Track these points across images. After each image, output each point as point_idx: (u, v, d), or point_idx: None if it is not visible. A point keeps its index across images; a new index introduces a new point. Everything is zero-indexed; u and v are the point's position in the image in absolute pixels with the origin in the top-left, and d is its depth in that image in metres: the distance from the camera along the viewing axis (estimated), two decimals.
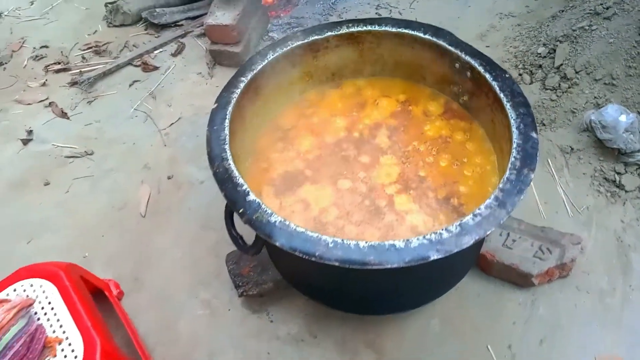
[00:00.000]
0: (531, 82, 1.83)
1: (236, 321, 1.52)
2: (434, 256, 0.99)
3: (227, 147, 1.22)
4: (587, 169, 1.66)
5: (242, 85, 1.33)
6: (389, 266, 0.99)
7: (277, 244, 1.04)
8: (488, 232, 1.02)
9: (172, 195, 1.83)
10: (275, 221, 1.07)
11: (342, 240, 1.03)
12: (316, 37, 1.43)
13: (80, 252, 1.72)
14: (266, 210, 1.09)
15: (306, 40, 1.42)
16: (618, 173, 1.60)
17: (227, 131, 1.24)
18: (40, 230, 1.81)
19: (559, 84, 1.75)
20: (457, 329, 1.43)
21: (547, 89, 1.78)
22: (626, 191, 1.57)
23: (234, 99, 1.31)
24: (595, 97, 1.69)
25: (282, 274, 1.44)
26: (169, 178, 1.88)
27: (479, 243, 1.40)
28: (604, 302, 1.43)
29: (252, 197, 1.11)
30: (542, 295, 1.45)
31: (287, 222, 1.07)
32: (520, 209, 1.55)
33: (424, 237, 1.01)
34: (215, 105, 1.30)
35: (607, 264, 1.49)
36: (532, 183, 1.64)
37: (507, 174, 1.08)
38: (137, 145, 2.01)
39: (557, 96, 1.75)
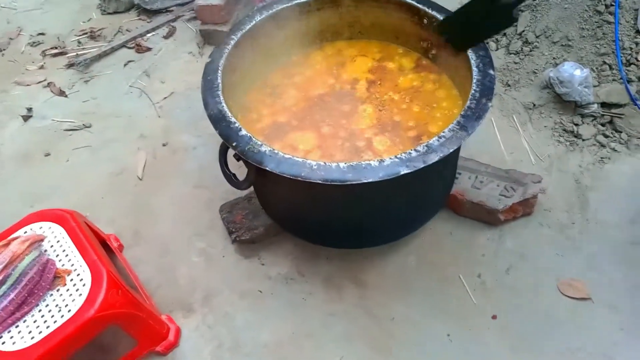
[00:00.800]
0: (497, 49, 2.00)
1: (230, 266, 1.64)
2: (404, 171, 1.13)
3: (219, 92, 1.35)
4: (548, 122, 1.82)
5: (232, 42, 1.47)
6: (364, 181, 1.13)
7: (268, 168, 1.17)
8: (451, 150, 1.16)
9: (168, 160, 1.96)
10: (265, 150, 1.21)
11: (325, 162, 1.17)
12: (299, 0, 1.58)
13: (82, 213, 1.83)
14: (256, 142, 1.22)
15: (290, 4, 1.57)
16: (576, 124, 1.76)
17: (219, 80, 1.38)
18: (43, 196, 1.92)
19: (522, 48, 1.93)
20: (432, 263, 1.57)
21: (510, 54, 1.95)
22: (583, 139, 1.74)
23: (225, 54, 1.44)
24: (553, 58, 1.86)
25: (272, 216, 1.58)
26: (163, 145, 2.01)
27: (449, 179, 1.55)
28: (564, 233, 1.58)
29: (244, 132, 1.25)
30: (509, 231, 1.60)
31: (275, 151, 1.20)
32: (487, 159, 1.72)
33: (396, 156, 1.15)
34: (210, 59, 1.44)
35: (566, 202, 1.64)
36: (498, 135, 1.82)
37: (468, 103, 1.23)
38: (133, 117, 2.13)
39: (520, 59, 1.92)
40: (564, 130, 1.78)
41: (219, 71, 1.41)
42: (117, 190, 1.89)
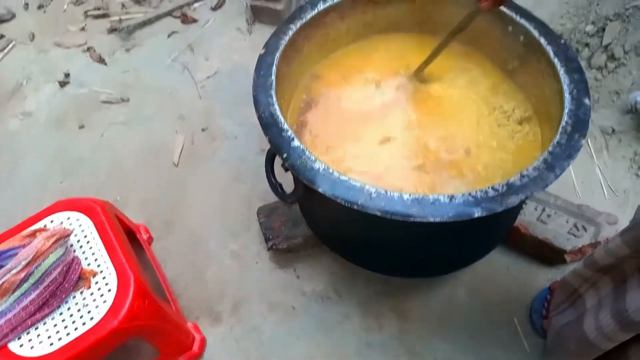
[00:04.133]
0: None
1: (263, 274, 1.53)
2: (478, 213, 0.98)
3: (273, 92, 1.21)
4: (627, 152, 1.63)
5: (290, 32, 1.32)
6: (431, 220, 0.99)
7: (320, 190, 1.04)
8: (534, 194, 1.01)
9: (206, 147, 1.84)
10: (319, 167, 1.07)
11: (386, 191, 1.03)
12: None
13: (112, 194, 1.74)
14: (310, 157, 1.09)
15: None
16: None
17: (274, 77, 1.23)
18: (74, 170, 1.83)
19: (605, 64, 1.72)
20: (484, 300, 1.43)
21: (592, 68, 1.75)
22: None
23: (282, 46, 1.29)
24: None
25: (313, 230, 1.45)
26: (203, 130, 1.89)
27: (513, 215, 1.40)
28: None
29: (296, 142, 1.11)
30: None
31: (330, 170, 1.07)
32: (556, 186, 1.52)
33: (469, 193, 1.01)
34: (263, 50, 1.29)
35: None
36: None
37: (558, 137, 1.07)
38: (173, 95, 2.01)
39: (603, 76, 1.72)
40: None
41: (274, 66, 1.26)
42: (151, 173, 1.79)
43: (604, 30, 1.78)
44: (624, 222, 1.48)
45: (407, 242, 1.25)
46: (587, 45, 1.81)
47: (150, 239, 1.62)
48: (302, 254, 1.53)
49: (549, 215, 1.44)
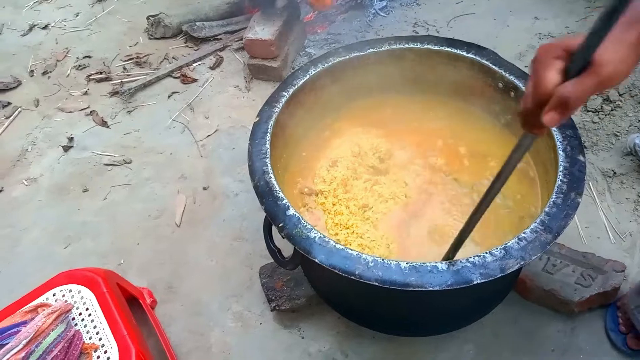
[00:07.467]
0: None
1: (267, 335, 1.51)
2: (477, 280, 0.97)
3: (268, 160, 1.22)
4: (630, 194, 1.61)
5: (283, 99, 1.34)
6: (430, 288, 0.98)
7: (317, 260, 1.04)
8: (534, 258, 1.00)
9: (207, 206, 1.85)
10: (315, 237, 1.07)
11: (383, 259, 1.02)
12: (357, 53, 1.43)
13: (116, 258, 1.75)
14: (306, 226, 1.09)
15: (347, 57, 1.43)
16: None
17: (268, 145, 1.25)
18: (77, 235, 1.84)
19: (602, 107, 1.72)
20: (493, 356, 1.39)
21: (589, 111, 1.75)
22: None
23: (276, 113, 1.32)
24: (639, 121, 1.65)
25: (316, 290, 1.44)
26: (204, 189, 1.90)
27: (517, 271, 1.38)
28: None
29: (292, 211, 1.12)
30: (583, 323, 1.41)
31: (326, 239, 1.06)
32: None
33: (467, 259, 1.00)
34: (257, 119, 1.31)
35: None
36: None
37: (554, 197, 1.06)
38: (174, 155, 2.04)
39: (600, 118, 1.71)
40: None
41: (268, 134, 1.28)
42: (154, 235, 1.80)
43: None
44: (630, 264, 1.46)
45: (410, 304, 1.23)
46: None
47: (154, 303, 1.62)
48: (306, 313, 1.51)
49: (554, 265, 1.41)
